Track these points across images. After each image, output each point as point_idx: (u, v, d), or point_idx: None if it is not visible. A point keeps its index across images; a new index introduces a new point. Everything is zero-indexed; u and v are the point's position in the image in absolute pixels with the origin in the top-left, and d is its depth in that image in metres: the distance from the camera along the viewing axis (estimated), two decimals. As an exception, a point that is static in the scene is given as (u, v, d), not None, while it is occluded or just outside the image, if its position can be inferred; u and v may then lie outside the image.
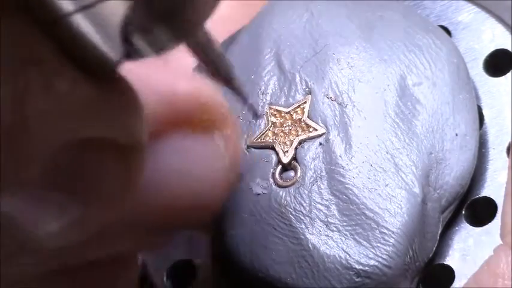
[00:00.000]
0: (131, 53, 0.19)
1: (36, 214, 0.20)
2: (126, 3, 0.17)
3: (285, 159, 0.29)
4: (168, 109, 0.25)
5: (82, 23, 0.18)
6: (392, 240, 0.27)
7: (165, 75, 0.25)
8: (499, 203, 0.29)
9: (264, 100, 0.31)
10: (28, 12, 0.17)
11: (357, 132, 0.29)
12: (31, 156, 0.18)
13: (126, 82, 0.20)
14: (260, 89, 0.31)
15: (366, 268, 0.27)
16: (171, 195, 0.25)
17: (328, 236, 0.28)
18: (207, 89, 0.26)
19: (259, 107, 0.31)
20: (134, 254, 0.29)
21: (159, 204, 0.25)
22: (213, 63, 0.25)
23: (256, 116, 0.30)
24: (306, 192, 0.28)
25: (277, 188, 0.29)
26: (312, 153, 0.29)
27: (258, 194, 0.29)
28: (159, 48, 0.19)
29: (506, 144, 0.30)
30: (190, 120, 0.26)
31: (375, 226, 0.27)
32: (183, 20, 0.19)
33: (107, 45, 0.18)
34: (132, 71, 0.20)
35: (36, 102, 0.17)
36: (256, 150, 0.30)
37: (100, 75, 0.19)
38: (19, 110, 0.17)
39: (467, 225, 0.30)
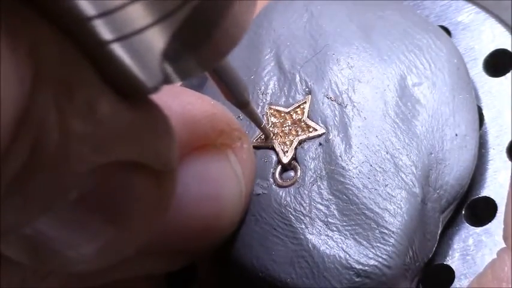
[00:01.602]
0: (164, 80, 0.19)
1: (72, 236, 0.20)
2: (161, 35, 0.18)
3: (285, 159, 0.29)
4: (186, 133, 0.25)
5: (121, 51, 0.18)
6: (392, 240, 0.27)
7: (181, 99, 0.25)
8: (499, 203, 0.29)
9: (264, 100, 0.31)
10: (73, 36, 0.18)
11: (356, 132, 0.29)
12: (71, 178, 0.18)
13: (159, 108, 0.21)
14: (260, 89, 0.31)
15: (366, 268, 0.27)
16: (190, 218, 0.25)
17: (328, 236, 0.28)
18: (222, 112, 0.27)
19: (259, 107, 0.31)
20: (156, 273, 0.29)
21: (179, 226, 0.25)
22: (229, 87, 0.25)
23: (267, 138, 0.30)
24: (306, 192, 0.28)
25: (277, 188, 0.29)
26: (311, 153, 0.29)
27: (258, 194, 0.29)
28: (185, 75, 0.20)
29: (506, 145, 0.30)
30: (207, 143, 0.26)
31: (375, 226, 0.27)
32: (209, 49, 0.19)
33: (144, 73, 0.19)
34: (152, 97, 0.21)
35: (80, 125, 0.18)
36: (256, 150, 0.30)
37: (137, 101, 0.19)
38: (64, 130, 0.17)
39: (467, 225, 0.30)
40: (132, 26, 0.18)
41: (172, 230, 0.25)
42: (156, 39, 0.18)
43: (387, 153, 0.29)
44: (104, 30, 0.18)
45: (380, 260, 0.27)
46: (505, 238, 0.26)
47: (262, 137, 0.30)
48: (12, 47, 0.16)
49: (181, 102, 0.26)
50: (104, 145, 0.19)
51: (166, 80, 0.19)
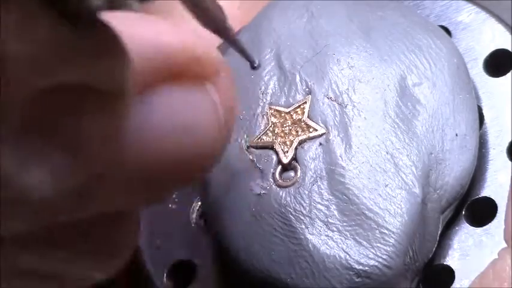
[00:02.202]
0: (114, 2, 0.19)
1: (20, 160, 0.20)
2: None
3: (285, 160, 0.29)
4: (158, 61, 0.24)
5: None
6: (392, 241, 0.27)
7: (154, 27, 0.25)
8: (499, 203, 0.29)
9: (264, 100, 0.31)
10: None
11: (357, 132, 0.29)
12: (11, 101, 0.18)
13: (108, 28, 0.20)
14: (260, 89, 0.31)
15: (366, 268, 0.27)
16: (165, 148, 0.25)
17: (328, 236, 0.28)
18: (200, 41, 0.26)
19: (259, 107, 0.31)
20: (133, 208, 0.29)
21: (153, 158, 0.24)
22: (204, 12, 0.25)
23: (254, 67, 0.29)
24: (306, 192, 0.28)
25: (277, 188, 0.29)
26: (312, 153, 0.29)
27: (258, 194, 0.29)
28: None
29: (507, 145, 0.30)
30: (183, 72, 0.25)
31: (375, 226, 0.27)
32: None
33: None
34: (118, 20, 0.20)
35: (15, 45, 0.17)
36: (256, 150, 0.30)
37: (81, 21, 0.19)
38: None
39: (467, 225, 0.30)
40: None
41: (147, 160, 0.24)
42: None
43: (387, 153, 0.29)
44: None
45: (380, 260, 0.27)
46: (505, 238, 0.26)
47: (263, 137, 0.30)
48: None
49: (154, 28, 0.25)
50: (45, 66, 0.18)
51: (116, 2, 0.19)
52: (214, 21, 0.25)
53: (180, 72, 0.25)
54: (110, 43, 0.20)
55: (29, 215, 0.23)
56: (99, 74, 0.20)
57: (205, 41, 0.26)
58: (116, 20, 0.20)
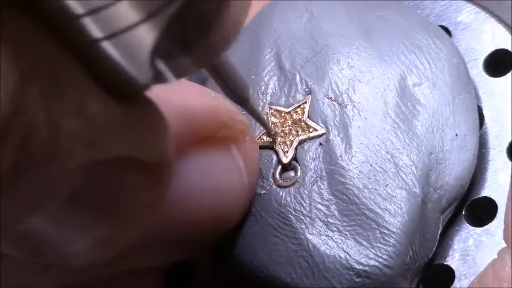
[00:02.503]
0: (156, 77, 0.19)
1: (64, 233, 0.20)
2: (151, 32, 0.18)
3: (285, 160, 0.29)
4: (187, 126, 0.25)
5: (110, 49, 0.18)
6: (392, 241, 0.27)
7: (182, 93, 0.25)
8: (499, 203, 0.29)
9: (264, 100, 0.31)
10: (61, 35, 0.18)
11: (357, 132, 0.29)
12: (62, 175, 0.18)
13: (153, 104, 0.21)
14: (260, 89, 0.31)
15: (366, 268, 0.27)
16: (192, 210, 0.25)
17: (328, 236, 0.28)
18: (224, 104, 0.27)
19: (260, 107, 0.31)
20: (158, 266, 0.29)
21: (181, 220, 0.25)
22: (228, 84, 0.25)
23: (270, 134, 0.30)
24: (306, 192, 0.28)
25: (277, 188, 0.29)
26: (312, 153, 0.29)
27: (258, 194, 0.29)
28: (180, 73, 0.20)
29: (507, 145, 0.30)
30: (209, 136, 0.26)
31: (375, 226, 0.27)
32: (204, 46, 0.19)
33: (134, 70, 0.19)
34: (153, 92, 0.21)
35: (69, 120, 0.18)
36: (257, 150, 0.30)
37: (128, 98, 0.20)
38: (54, 129, 0.17)
39: (468, 225, 0.30)
40: (120, 23, 0.18)
41: (175, 222, 0.25)
42: (145, 37, 0.18)
43: (387, 153, 0.29)
44: (92, 29, 0.18)
45: (380, 260, 0.27)
46: (505, 238, 0.26)
47: (263, 137, 0.30)
48: None
49: (183, 95, 0.26)
50: (95, 142, 0.19)
51: (161, 78, 0.19)
52: (236, 93, 0.26)
53: (207, 136, 0.26)
54: (154, 117, 0.21)
55: (61, 275, 0.23)
56: (146, 147, 0.20)
57: (230, 105, 0.27)
58: None
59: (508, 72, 0.32)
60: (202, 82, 0.31)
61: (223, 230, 0.28)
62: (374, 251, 0.27)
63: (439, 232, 0.29)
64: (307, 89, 0.31)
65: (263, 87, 0.31)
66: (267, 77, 0.31)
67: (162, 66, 0.19)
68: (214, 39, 0.19)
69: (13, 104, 0.16)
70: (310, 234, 0.28)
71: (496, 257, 0.26)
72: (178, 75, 0.20)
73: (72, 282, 0.25)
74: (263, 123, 0.29)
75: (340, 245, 0.27)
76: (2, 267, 0.22)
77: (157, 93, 0.21)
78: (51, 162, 0.18)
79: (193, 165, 0.26)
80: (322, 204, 0.28)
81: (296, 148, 0.29)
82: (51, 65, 0.17)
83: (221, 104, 0.27)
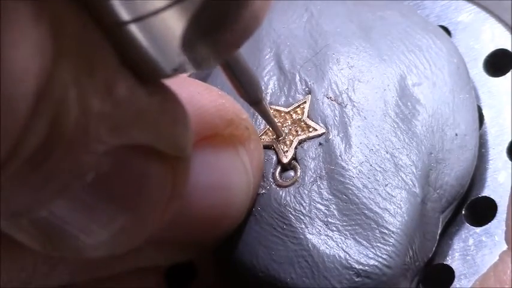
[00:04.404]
0: (179, 69, 0.20)
1: (85, 221, 0.20)
2: (178, 18, 0.18)
3: (285, 159, 0.29)
4: (194, 122, 0.25)
5: (138, 33, 0.18)
6: (392, 240, 0.27)
7: (188, 90, 0.25)
8: (499, 203, 0.29)
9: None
10: (92, 15, 0.18)
11: (356, 132, 0.29)
12: (88, 158, 0.18)
13: (176, 96, 0.21)
14: (260, 89, 0.31)
15: (366, 268, 0.27)
16: (198, 207, 0.25)
17: (328, 235, 0.28)
18: (230, 102, 0.27)
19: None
20: (159, 265, 0.29)
21: (189, 217, 0.25)
22: (242, 84, 0.25)
23: (279, 138, 0.30)
24: (306, 192, 0.28)
25: (277, 188, 0.29)
26: (311, 153, 0.29)
27: (258, 194, 0.29)
28: (199, 65, 0.20)
29: (507, 144, 0.30)
30: (215, 133, 0.26)
31: (375, 226, 0.27)
32: (224, 39, 0.19)
33: (162, 57, 0.19)
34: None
35: (98, 103, 0.18)
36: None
37: (154, 86, 0.20)
38: (84, 109, 0.17)
39: (467, 225, 0.30)
40: (149, 7, 0.18)
41: (182, 220, 0.25)
42: (174, 22, 0.18)
43: (387, 153, 0.29)
44: (122, 11, 0.18)
45: (380, 259, 0.27)
46: (506, 240, 0.26)
47: (263, 137, 0.30)
48: (35, 19, 0.16)
49: (190, 91, 0.26)
50: (121, 126, 0.19)
51: (181, 68, 0.20)
52: (249, 92, 0.26)
53: (213, 133, 0.26)
54: (178, 109, 0.21)
55: (74, 269, 0.23)
56: (167, 138, 0.20)
57: (236, 104, 0.27)
58: None
59: (508, 72, 0.32)
60: (203, 81, 0.31)
61: (228, 228, 0.28)
62: (374, 251, 0.27)
63: (439, 232, 0.29)
64: (306, 89, 0.31)
65: (263, 87, 0.31)
66: (266, 77, 0.31)
67: (184, 55, 0.19)
68: (234, 33, 0.19)
69: (47, 76, 0.16)
70: (309, 233, 0.28)
71: (496, 257, 0.26)
72: (197, 66, 0.20)
73: (82, 279, 0.25)
74: (274, 126, 0.29)
75: (339, 245, 0.27)
76: (15, 256, 0.22)
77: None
78: (80, 143, 0.18)
79: (200, 162, 0.26)
80: (321, 204, 0.28)
81: (296, 148, 0.29)
82: (84, 42, 0.17)
83: (227, 102, 0.27)
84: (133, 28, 0.18)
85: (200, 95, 0.26)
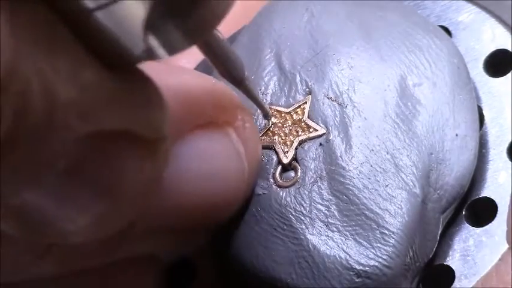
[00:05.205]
0: (149, 52, 0.19)
1: (62, 209, 0.20)
2: (141, 3, 0.18)
3: (285, 160, 0.29)
4: (183, 108, 0.25)
5: (103, 19, 0.18)
6: (392, 241, 0.27)
7: (178, 76, 0.25)
8: (499, 203, 0.29)
9: (264, 100, 0.31)
10: (55, 5, 0.18)
11: (357, 132, 0.29)
12: (57, 147, 0.18)
13: (149, 79, 0.21)
14: (260, 89, 0.31)
15: (366, 268, 0.27)
16: (190, 194, 0.25)
17: (328, 236, 0.28)
18: (223, 90, 0.27)
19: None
20: (156, 254, 0.29)
21: (182, 204, 0.25)
22: (223, 63, 0.25)
23: (267, 116, 0.30)
24: (306, 192, 0.28)
25: (278, 188, 0.29)
26: (312, 153, 0.29)
27: (259, 195, 0.29)
28: (172, 48, 0.20)
29: (507, 145, 0.30)
30: (208, 120, 0.26)
31: (375, 226, 0.27)
32: (195, 20, 0.19)
33: (127, 42, 0.19)
34: (145, 69, 0.21)
35: (64, 89, 0.17)
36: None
37: (122, 70, 0.19)
38: (49, 98, 0.17)
39: (468, 225, 0.30)
40: None
41: (174, 207, 0.25)
42: (136, 7, 0.18)
43: (387, 153, 0.29)
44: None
45: (380, 260, 0.27)
46: (508, 240, 0.26)
47: (263, 137, 0.30)
48: None
49: (182, 79, 0.26)
50: (91, 112, 0.18)
51: (154, 54, 0.19)
52: (232, 72, 0.26)
53: (203, 119, 0.26)
54: (150, 92, 0.21)
55: (62, 258, 0.23)
56: (141, 120, 0.20)
57: (229, 90, 0.26)
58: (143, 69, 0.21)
59: (508, 72, 0.32)
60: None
61: (223, 215, 0.28)
62: (374, 251, 0.27)
63: (439, 232, 0.29)
64: (307, 89, 0.31)
65: (263, 88, 0.31)
66: (267, 77, 0.31)
67: (154, 41, 0.19)
68: (204, 14, 0.19)
69: (8, 68, 0.16)
70: (310, 234, 0.28)
71: (496, 257, 0.26)
72: (171, 51, 0.20)
73: (72, 268, 0.25)
74: (259, 104, 0.29)
75: (340, 245, 0.27)
76: (2, 250, 0.22)
77: (155, 75, 0.21)
78: (48, 132, 0.18)
79: (192, 150, 0.25)
80: (322, 205, 0.28)
81: (296, 148, 0.29)
82: (43, 30, 0.17)
83: (219, 88, 0.27)
84: (99, 15, 0.18)
85: (192, 82, 0.26)
